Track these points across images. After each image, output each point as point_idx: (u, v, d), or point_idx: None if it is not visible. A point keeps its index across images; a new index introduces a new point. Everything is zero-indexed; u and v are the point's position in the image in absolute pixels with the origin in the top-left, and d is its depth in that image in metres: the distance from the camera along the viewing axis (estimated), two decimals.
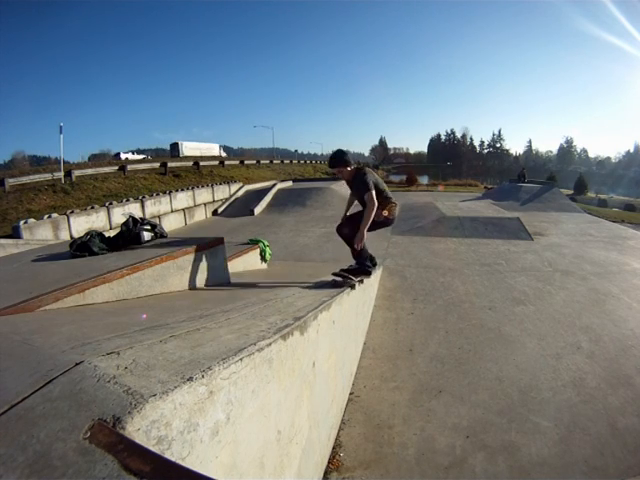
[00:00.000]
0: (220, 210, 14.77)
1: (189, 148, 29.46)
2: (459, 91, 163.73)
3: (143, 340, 1.30)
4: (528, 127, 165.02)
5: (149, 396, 0.87)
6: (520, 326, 4.57)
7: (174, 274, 3.03)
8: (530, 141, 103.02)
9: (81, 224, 9.10)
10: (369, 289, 4.93)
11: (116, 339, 1.33)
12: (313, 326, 2.03)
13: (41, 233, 8.18)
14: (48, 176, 12.15)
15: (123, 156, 28.35)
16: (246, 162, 25.00)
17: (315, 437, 2.12)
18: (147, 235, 3.66)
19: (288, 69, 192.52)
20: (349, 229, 3.36)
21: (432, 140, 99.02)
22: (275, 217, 13.04)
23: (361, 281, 3.53)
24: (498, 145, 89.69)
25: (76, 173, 12.93)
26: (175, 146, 29.83)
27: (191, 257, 3.23)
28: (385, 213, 3.28)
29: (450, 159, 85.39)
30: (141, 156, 31.11)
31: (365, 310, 4.52)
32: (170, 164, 17.34)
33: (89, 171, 13.82)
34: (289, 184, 19.36)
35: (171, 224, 12.13)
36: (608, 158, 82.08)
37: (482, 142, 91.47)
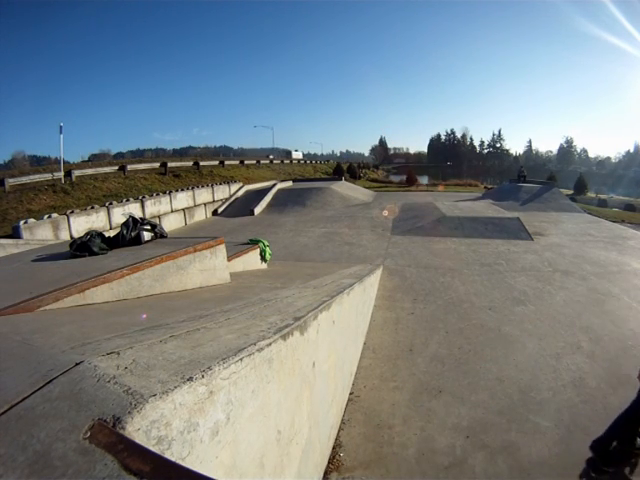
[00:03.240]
0: (220, 210, 14.77)
1: (294, 154, 50.44)
2: (459, 91, 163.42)
3: (143, 340, 1.30)
4: (528, 127, 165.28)
5: (149, 396, 0.87)
6: (520, 326, 4.57)
7: (174, 274, 3.03)
8: (530, 141, 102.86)
9: (81, 224, 9.10)
10: (369, 289, 4.94)
11: (116, 339, 1.33)
12: (313, 326, 2.03)
13: (41, 233, 8.17)
14: (48, 176, 12.14)
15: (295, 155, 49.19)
16: (246, 162, 24.99)
17: (315, 437, 2.12)
18: (147, 235, 3.66)
19: (288, 69, 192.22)
20: None
21: (432, 140, 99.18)
22: (275, 217, 13.05)
23: None
24: (498, 145, 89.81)
25: (76, 173, 12.93)
26: (289, 152, 52.11)
27: (191, 257, 3.23)
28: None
29: (450, 159, 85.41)
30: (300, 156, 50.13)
31: (365, 310, 4.52)
32: (170, 164, 17.34)
33: (89, 171, 13.82)
34: (289, 184, 19.36)
35: (171, 224, 12.13)
36: (608, 158, 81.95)
37: (482, 142, 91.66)
